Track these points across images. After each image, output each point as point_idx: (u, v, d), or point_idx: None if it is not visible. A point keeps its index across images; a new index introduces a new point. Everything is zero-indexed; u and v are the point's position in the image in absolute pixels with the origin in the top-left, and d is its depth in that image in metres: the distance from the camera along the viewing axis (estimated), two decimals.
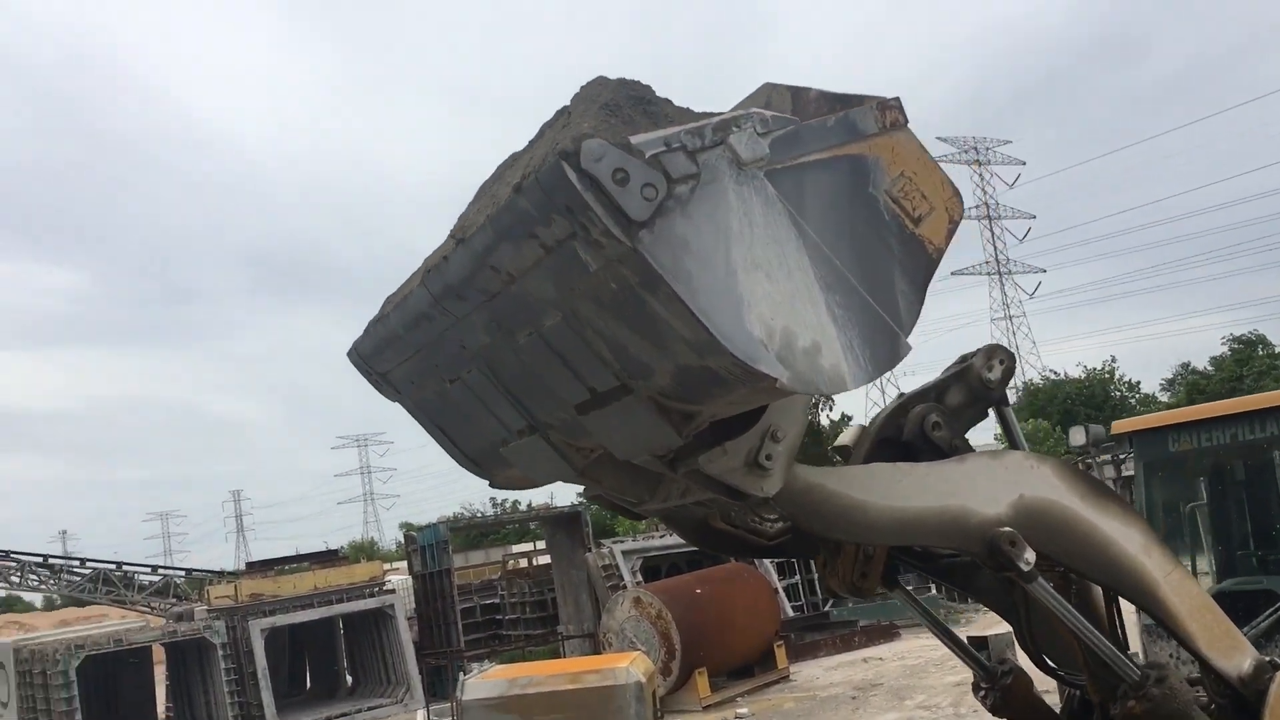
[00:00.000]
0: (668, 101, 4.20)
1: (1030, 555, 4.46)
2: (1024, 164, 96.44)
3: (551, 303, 4.01)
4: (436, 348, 4.60)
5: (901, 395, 5.35)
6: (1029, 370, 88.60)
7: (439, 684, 25.73)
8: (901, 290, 4.23)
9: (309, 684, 28.91)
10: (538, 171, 3.69)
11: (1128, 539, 4.69)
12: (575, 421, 4.33)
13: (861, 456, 5.20)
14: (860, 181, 4.26)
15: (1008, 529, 4.49)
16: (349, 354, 5.08)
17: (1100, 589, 4.92)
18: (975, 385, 5.14)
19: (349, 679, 28.18)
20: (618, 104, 4.05)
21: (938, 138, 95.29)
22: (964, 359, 5.24)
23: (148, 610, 40.77)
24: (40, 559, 44.30)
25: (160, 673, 27.51)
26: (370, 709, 25.11)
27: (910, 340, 4.17)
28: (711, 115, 4.07)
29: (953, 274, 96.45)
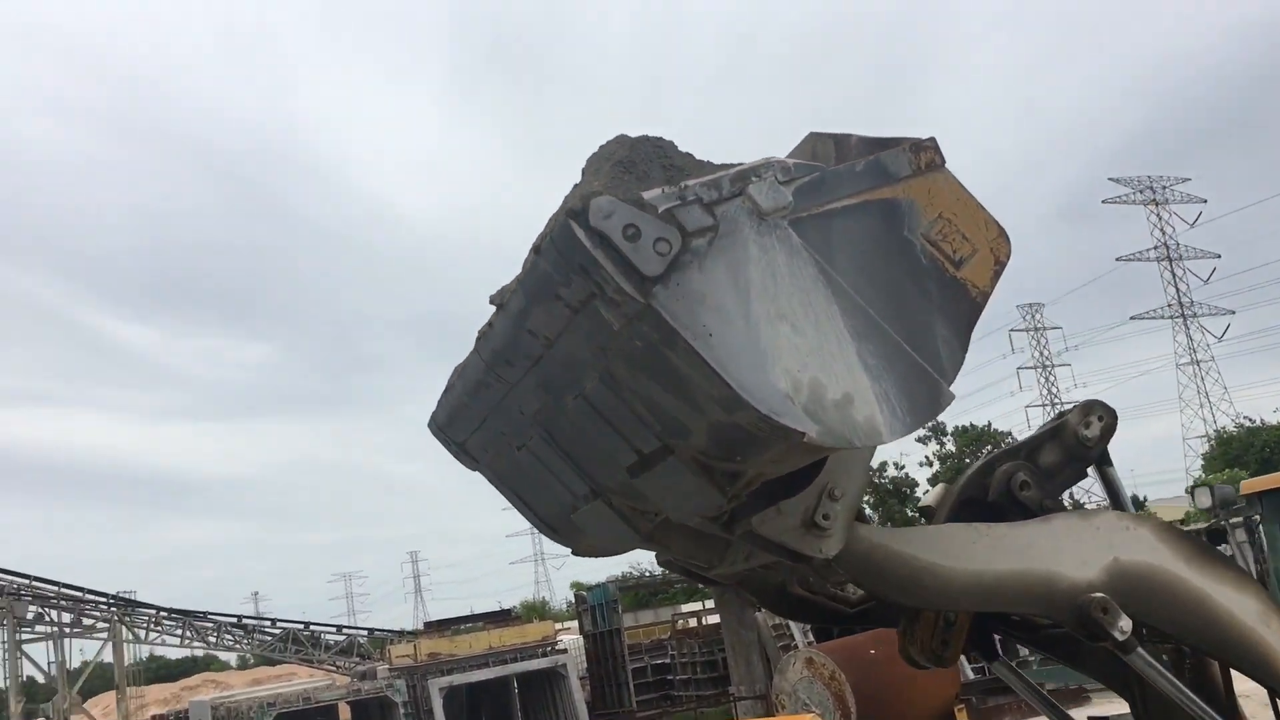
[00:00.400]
0: (689, 156, 4.15)
1: (1125, 623, 4.13)
2: (1205, 202, 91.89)
3: (588, 364, 3.95)
4: (500, 415, 4.57)
5: (990, 453, 5.13)
6: (1221, 418, 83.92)
7: None
8: (943, 337, 4.06)
9: None
10: (552, 232, 3.67)
11: (1242, 607, 4.33)
12: (629, 485, 4.21)
13: (944, 518, 4.93)
14: (894, 226, 4.14)
15: (1099, 595, 4.16)
16: (429, 425, 5.05)
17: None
18: (1071, 443, 4.84)
19: None
20: (633, 161, 4.00)
21: (1110, 179, 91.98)
22: (1060, 415, 4.98)
23: (333, 669, 42.19)
24: (234, 619, 46.41)
25: None
26: None
27: (954, 389, 3.99)
28: (732, 166, 4.00)
29: (1131, 319, 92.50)
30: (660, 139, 4.19)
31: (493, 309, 4.35)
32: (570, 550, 5.07)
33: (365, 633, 48.12)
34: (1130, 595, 4.23)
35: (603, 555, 5.29)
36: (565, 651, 28.33)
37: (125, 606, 44.76)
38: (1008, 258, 4.32)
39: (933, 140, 4.31)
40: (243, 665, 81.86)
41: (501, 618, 33.75)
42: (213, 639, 45.77)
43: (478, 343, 4.38)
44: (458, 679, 25.42)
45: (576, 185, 3.93)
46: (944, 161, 4.29)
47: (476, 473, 5.07)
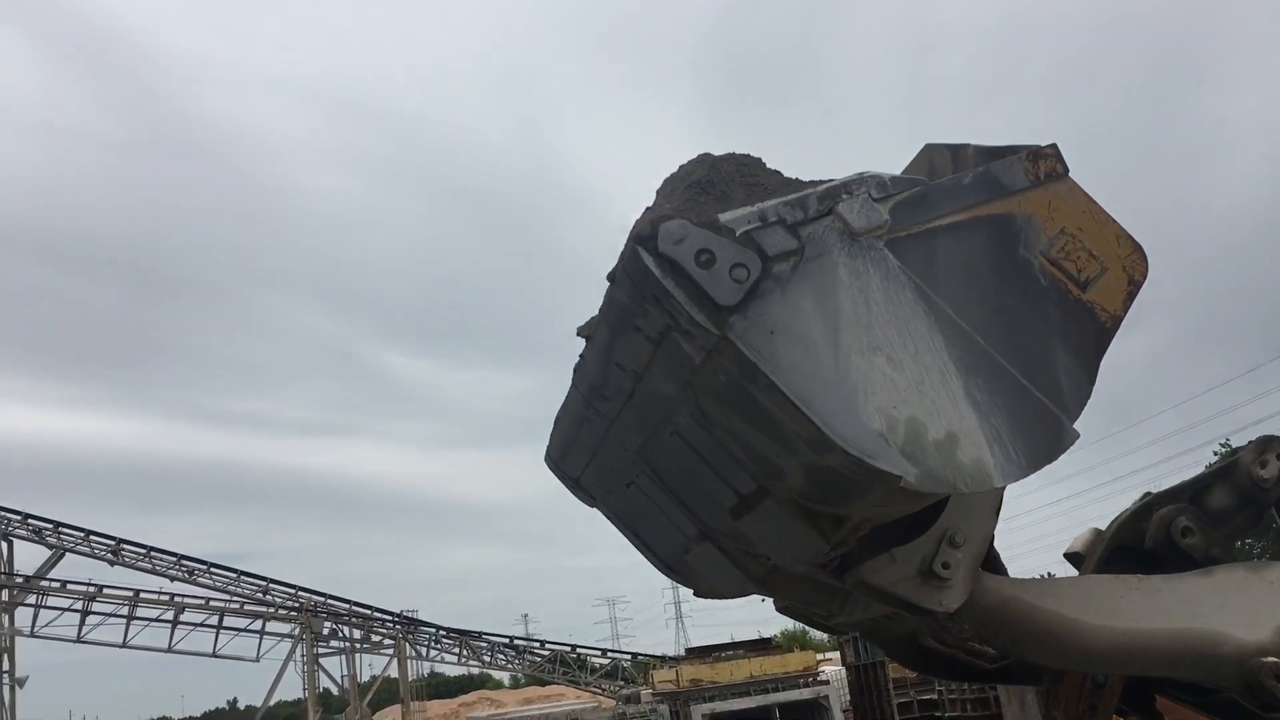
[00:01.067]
0: (777, 174, 3.80)
1: None
2: None
3: (677, 399, 3.66)
4: (607, 450, 4.30)
5: (1147, 495, 4.57)
6: None
7: None
8: (1065, 367, 3.64)
9: None
10: (624, 260, 3.40)
11: None
12: (735, 527, 3.94)
13: (1093, 566, 4.45)
14: (1008, 244, 3.73)
15: (1273, 659, 3.64)
16: (545, 459, 4.82)
17: None
18: (1244, 484, 4.24)
19: None
20: (712, 181, 3.71)
21: None
22: (1233, 453, 4.38)
23: (599, 691, 43.22)
24: (507, 640, 48.37)
25: None
26: None
27: (1079, 426, 3.52)
28: (823, 183, 3.63)
29: None
30: (746, 156, 3.90)
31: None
32: (693, 592, 4.82)
33: (629, 657, 49.09)
34: None
35: (724, 598, 5.00)
36: (827, 683, 27.92)
37: (409, 625, 47.49)
38: (1144, 277, 3.87)
39: (1053, 147, 3.92)
40: (515, 684, 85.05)
41: (762, 646, 33.67)
42: (487, 658, 47.87)
43: (574, 376, 4.17)
44: (720, 706, 25.49)
45: (648, 209, 3.66)
46: (1067, 170, 3.88)
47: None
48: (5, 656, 32.57)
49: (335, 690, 50.53)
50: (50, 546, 35.35)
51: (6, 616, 34.28)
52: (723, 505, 3.91)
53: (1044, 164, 3.84)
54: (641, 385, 3.78)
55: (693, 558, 4.37)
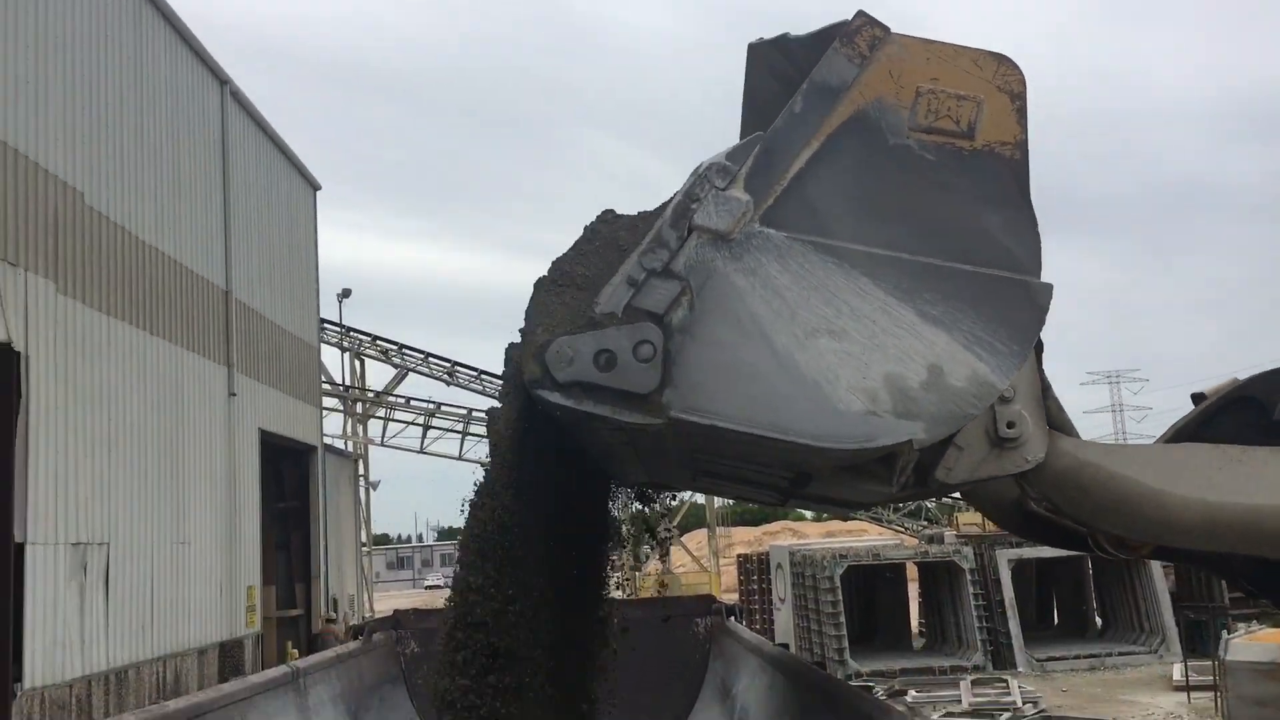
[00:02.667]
0: (635, 218, 3.49)
1: None
2: None
3: (681, 464, 3.64)
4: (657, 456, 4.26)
5: None
6: None
7: (1198, 639, 23.89)
8: (1000, 226, 3.27)
9: (1056, 620, 28.61)
10: (538, 406, 3.27)
11: None
12: (802, 494, 3.90)
13: (1211, 408, 3.94)
14: (874, 141, 3.34)
15: None
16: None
17: None
18: None
19: (1098, 621, 27.35)
20: (567, 273, 3.45)
21: None
22: None
23: (902, 530, 43.34)
24: None
25: (913, 589, 29.14)
26: (1121, 654, 24.15)
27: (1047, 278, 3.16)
28: (665, 205, 3.37)
29: None
30: (606, 213, 3.62)
31: None
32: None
33: (934, 498, 48.82)
34: None
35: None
36: None
37: None
38: (1023, 85, 3.37)
39: (861, 15, 3.44)
40: (818, 517, 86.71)
41: None
42: None
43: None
44: (1027, 553, 24.87)
45: (519, 341, 3.51)
46: (886, 28, 3.40)
47: None
48: (361, 462, 36.54)
49: (648, 511, 53.29)
50: (395, 366, 38.87)
51: (361, 427, 38.29)
52: (781, 488, 3.92)
53: (861, 38, 3.44)
54: (641, 450, 3.78)
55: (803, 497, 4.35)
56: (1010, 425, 3.62)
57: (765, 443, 3.20)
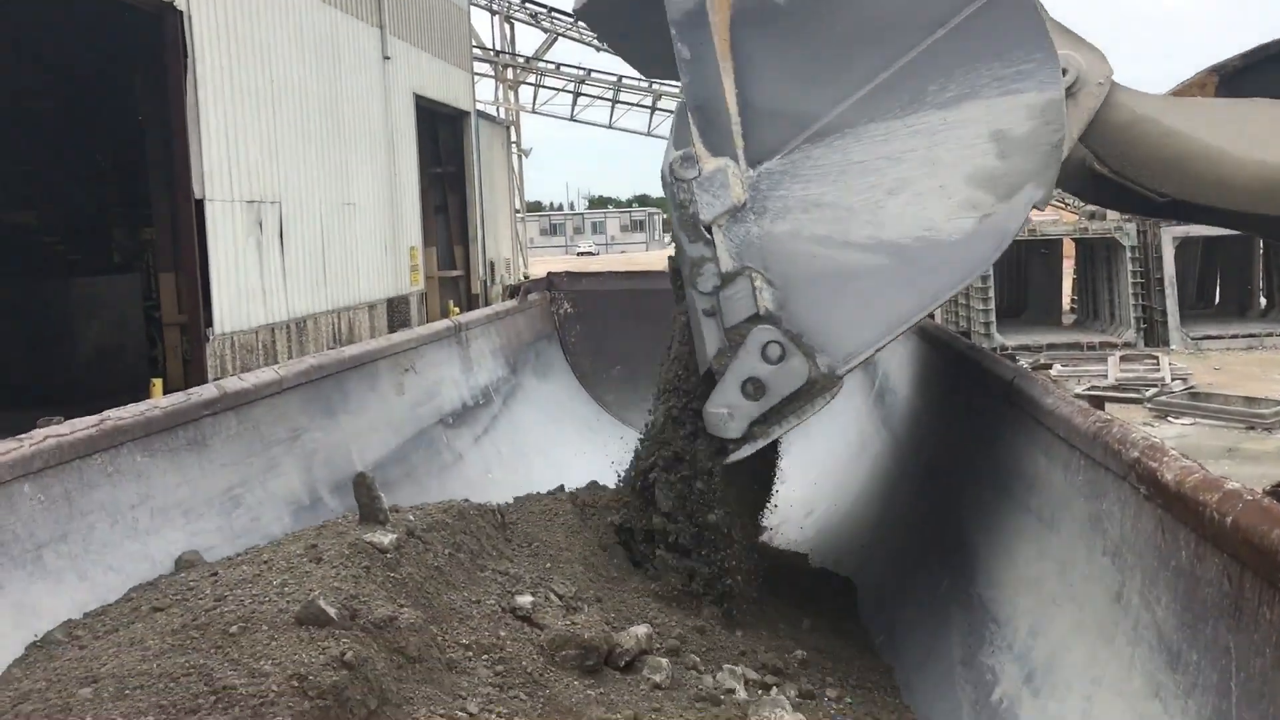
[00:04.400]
0: None
1: None
2: None
3: None
4: None
5: None
6: None
7: None
8: None
9: (1218, 299, 27.84)
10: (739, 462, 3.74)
11: None
12: None
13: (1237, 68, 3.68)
14: (767, 15, 3.16)
15: None
16: None
17: None
18: None
19: (1263, 301, 26.53)
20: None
21: None
22: None
23: (1062, 206, 41.98)
24: None
25: (1067, 267, 28.58)
26: None
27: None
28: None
29: None
30: None
31: None
32: None
33: None
34: None
35: None
36: None
37: None
38: None
39: None
40: None
41: None
42: None
43: None
44: (1194, 231, 23.90)
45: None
46: None
47: None
48: (513, 129, 36.77)
49: None
50: (545, 30, 38.14)
51: (512, 93, 38.22)
52: None
53: None
54: None
55: None
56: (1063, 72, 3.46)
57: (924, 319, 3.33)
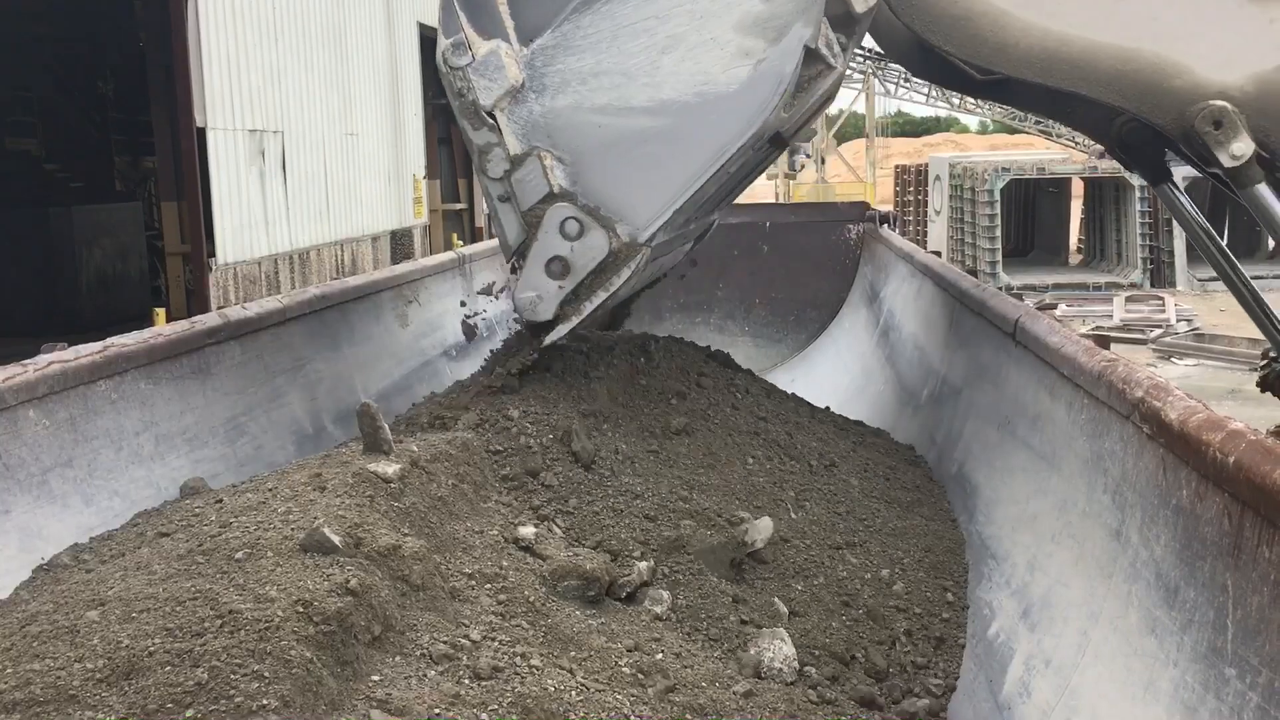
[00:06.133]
0: None
1: (1242, 146, 3.00)
2: None
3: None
4: None
5: None
6: None
7: None
8: None
9: (1225, 241, 27.72)
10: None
11: None
12: None
13: None
14: None
15: (1220, 103, 2.95)
16: None
17: None
18: None
19: (1271, 243, 26.39)
20: None
21: None
22: None
23: (1072, 144, 41.59)
24: None
25: (1075, 207, 28.40)
26: None
27: None
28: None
29: None
30: None
31: None
32: None
33: None
34: (1272, 115, 3.01)
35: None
36: None
37: (879, 60, 47.16)
38: None
39: None
40: (983, 130, 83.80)
41: None
42: (956, 100, 47.01)
43: None
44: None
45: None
46: None
47: None
48: None
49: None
50: None
51: None
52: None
53: None
54: None
55: None
56: None
57: (720, 175, 3.19)
